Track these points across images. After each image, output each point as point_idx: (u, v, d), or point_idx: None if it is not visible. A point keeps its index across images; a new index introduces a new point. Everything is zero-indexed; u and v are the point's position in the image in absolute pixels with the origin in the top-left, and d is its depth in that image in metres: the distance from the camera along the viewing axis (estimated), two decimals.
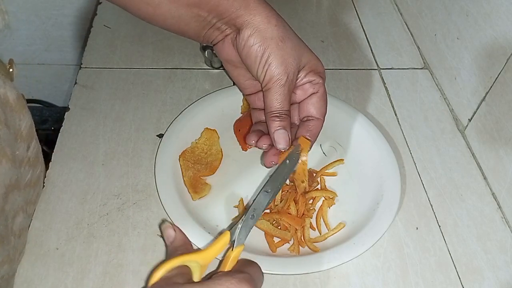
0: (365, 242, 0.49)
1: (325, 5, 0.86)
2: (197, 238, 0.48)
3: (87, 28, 0.78)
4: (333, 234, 0.52)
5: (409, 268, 0.51)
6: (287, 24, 0.49)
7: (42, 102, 1.29)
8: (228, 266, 0.40)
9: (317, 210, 0.54)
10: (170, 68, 0.71)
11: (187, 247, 0.40)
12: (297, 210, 0.52)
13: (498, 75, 0.57)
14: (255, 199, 0.44)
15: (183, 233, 0.41)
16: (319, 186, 0.57)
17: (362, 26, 0.82)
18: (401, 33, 0.81)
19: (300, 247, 0.50)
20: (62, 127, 0.62)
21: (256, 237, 0.51)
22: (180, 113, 0.62)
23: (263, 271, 0.47)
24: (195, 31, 0.48)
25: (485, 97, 0.60)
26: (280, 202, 0.53)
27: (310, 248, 0.50)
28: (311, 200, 0.55)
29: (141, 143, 0.60)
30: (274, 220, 0.52)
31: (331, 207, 0.55)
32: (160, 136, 0.61)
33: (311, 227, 0.53)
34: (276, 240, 0.51)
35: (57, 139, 0.60)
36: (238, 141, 0.60)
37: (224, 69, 0.71)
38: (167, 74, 0.70)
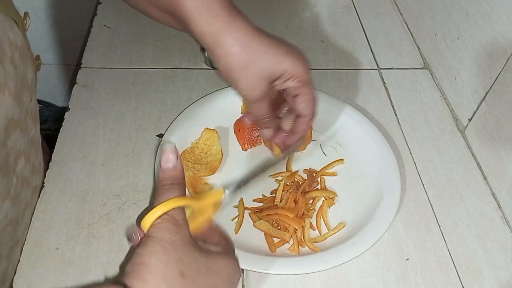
0: (365, 242, 0.49)
1: (325, 5, 0.86)
2: None
3: (87, 28, 0.78)
4: (333, 234, 0.52)
5: (409, 268, 0.51)
6: (261, 36, 0.47)
7: (42, 102, 1.29)
8: (204, 221, 0.40)
9: (317, 210, 0.54)
10: (170, 68, 0.71)
11: (183, 184, 0.39)
12: (296, 204, 0.53)
13: (498, 75, 0.57)
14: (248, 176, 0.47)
15: (182, 163, 0.40)
16: (319, 186, 0.57)
17: (362, 26, 0.82)
18: (401, 33, 0.81)
19: (300, 247, 0.50)
20: (62, 127, 0.62)
21: (256, 237, 0.51)
22: (180, 113, 0.62)
23: (263, 271, 0.47)
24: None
25: (485, 97, 0.60)
26: (280, 202, 0.53)
27: (310, 248, 0.50)
28: (311, 200, 0.55)
29: (141, 143, 0.60)
30: (274, 221, 0.52)
31: (331, 207, 0.55)
32: (160, 136, 0.61)
33: (311, 227, 0.53)
34: (276, 240, 0.51)
35: (57, 139, 0.60)
36: (238, 141, 0.60)
37: None
38: (167, 74, 0.70)
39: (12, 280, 0.48)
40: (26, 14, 0.50)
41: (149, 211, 0.36)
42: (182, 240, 0.35)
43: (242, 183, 0.44)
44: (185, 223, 0.36)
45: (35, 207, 0.53)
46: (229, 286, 0.37)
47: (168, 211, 0.36)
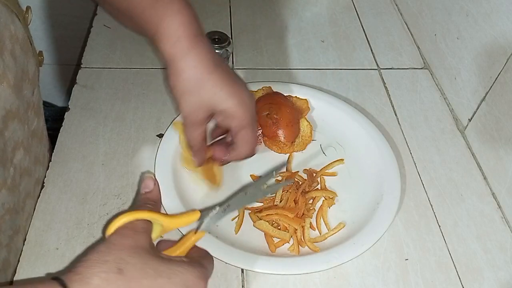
0: (365, 242, 0.49)
1: (325, 5, 0.86)
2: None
3: (87, 28, 0.78)
4: (333, 234, 0.52)
5: (409, 268, 0.51)
6: (216, 70, 0.47)
7: (42, 102, 1.29)
8: (185, 248, 0.41)
9: (317, 210, 0.54)
10: None
11: (157, 206, 0.41)
12: (296, 204, 0.53)
13: (498, 75, 0.57)
14: (233, 196, 0.46)
15: (160, 191, 0.43)
16: (319, 186, 0.57)
17: (362, 26, 0.82)
18: (401, 33, 0.81)
19: (300, 247, 0.50)
20: (62, 127, 0.62)
21: (256, 237, 0.51)
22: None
23: (263, 271, 0.47)
24: None
25: (485, 97, 0.60)
26: (280, 202, 0.53)
27: (310, 248, 0.50)
28: (311, 200, 0.55)
29: (141, 143, 0.60)
30: (274, 221, 0.52)
31: (331, 207, 0.55)
32: (160, 136, 0.61)
33: (311, 227, 0.53)
34: (276, 240, 0.51)
35: (57, 139, 0.60)
36: None
37: None
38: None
39: (16, 269, 0.48)
40: (28, 8, 0.51)
41: (117, 217, 0.37)
42: (134, 243, 0.35)
43: (223, 209, 0.44)
44: (145, 233, 0.37)
45: (38, 198, 0.54)
46: None
47: (132, 221, 0.37)
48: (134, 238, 0.36)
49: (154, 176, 0.44)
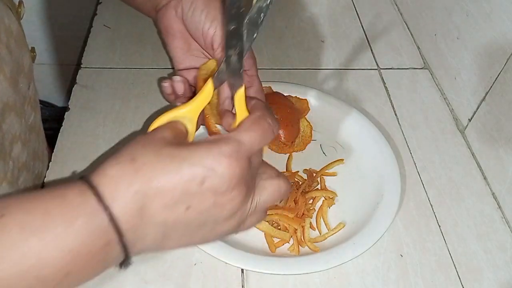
0: (365, 242, 0.49)
1: (325, 5, 0.86)
2: None
3: (87, 28, 0.78)
4: (333, 234, 0.52)
5: (409, 268, 0.51)
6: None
7: (42, 102, 1.29)
8: (241, 109, 0.37)
9: (317, 210, 0.54)
10: (170, 68, 0.71)
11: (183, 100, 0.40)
12: (296, 204, 0.53)
13: (498, 75, 0.57)
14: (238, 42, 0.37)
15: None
16: (319, 186, 0.57)
17: (362, 26, 0.82)
18: (401, 33, 0.81)
19: (300, 247, 0.50)
20: (62, 127, 0.62)
21: (256, 237, 0.51)
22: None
23: (263, 271, 0.47)
24: None
25: (485, 97, 0.60)
26: (280, 202, 0.53)
27: (310, 248, 0.50)
28: (311, 200, 0.55)
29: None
30: (274, 221, 0.52)
31: (331, 207, 0.55)
32: None
33: (311, 227, 0.53)
34: (276, 240, 0.51)
35: (57, 139, 0.60)
36: None
37: None
38: (167, 74, 0.70)
39: None
40: (20, 2, 0.51)
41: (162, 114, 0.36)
42: (149, 136, 0.34)
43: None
44: (168, 126, 0.35)
45: None
46: (205, 173, 0.32)
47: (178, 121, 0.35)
48: (151, 133, 0.34)
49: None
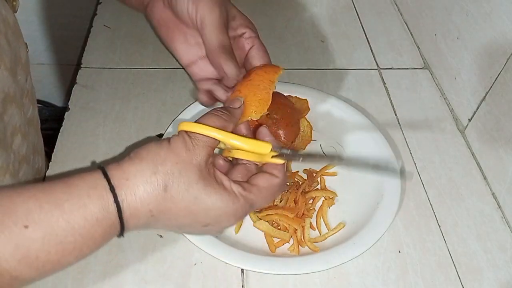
0: (365, 242, 0.49)
1: (325, 5, 0.86)
2: (198, 238, 0.48)
3: (87, 28, 0.78)
4: (333, 234, 0.52)
5: (409, 268, 0.51)
6: None
7: (42, 102, 1.29)
8: (260, 160, 0.42)
9: (317, 210, 0.54)
10: (170, 68, 0.71)
11: (232, 120, 0.42)
12: (296, 204, 0.52)
13: (498, 75, 0.57)
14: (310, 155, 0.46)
15: (242, 113, 0.44)
16: (319, 186, 0.57)
17: (362, 26, 0.82)
18: (401, 33, 0.81)
19: (300, 247, 0.50)
20: (62, 127, 0.62)
21: (256, 237, 0.51)
22: (180, 113, 0.61)
23: (263, 271, 0.47)
24: None
25: (485, 97, 0.60)
26: (280, 202, 0.53)
27: (310, 248, 0.50)
28: (311, 200, 0.55)
29: (141, 143, 0.60)
30: (274, 221, 0.52)
31: (331, 207, 0.55)
32: (160, 136, 0.61)
33: (311, 227, 0.53)
34: (276, 240, 0.51)
35: (57, 139, 0.60)
36: None
37: None
38: (167, 74, 0.70)
39: None
40: None
41: (194, 121, 0.38)
42: (190, 159, 0.37)
43: (299, 157, 0.43)
44: (207, 148, 0.38)
45: None
46: (213, 223, 0.38)
47: (203, 134, 0.38)
48: (193, 152, 0.37)
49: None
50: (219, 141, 0.39)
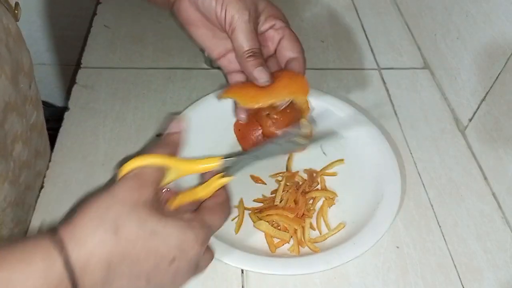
0: (365, 242, 0.49)
1: (325, 5, 0.86)
2: None
3: (87, 28, 0.78)
4: (333, 234, 0.52)
5: (409, 268, 0.51)
6: None
7: (42, 102, 1.29)
8: (210, 192, 0.40)
9: (317, 210, 0.54)
10: (170, 68, 0.71)
11: (176, 149, 0.40)
12: (296, 204, 0.53)
13: (498, 75, 0.57)
14: (263, 147, 0.43)
15: (185, 134, 0.41)
16: (319, 186, 0.57)
17: (362, 26, 0.82)
18: (401, 33, 0.81)
19: (300, 247, 0.50)
20: (62, 127, 0.62)
21: (256, 237, 0.51)
22: (180, 113, 0.62)
23: (263, 271, 0.47)
24: None
25: (485, 97, 0.60)
26: (280, 202, 0.53)
27: (310, 248, 0.50)
28: (311, 200, 0.55)
29: (141, 143, 0.60)
30: (274, 221, 0.52)
31: (331, 207, 0.55)
32: (160, 136, 0.61)
33: (311, 227, 0.53)
34: (276, 240, 0.51)
35: (57, 139, 0.60)
36: (238, 141, 0.60)
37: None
38: (167, 74, 0.70)
39: None
40: (17, 4, 0.51)
41: (130, 160, 0.36)
42: (136, 198, 0.35)
43: (254, 156, 0.42)
44: (152, 183, 0.36)
45: (39, 191, 0.54)
46: (178, 255, 0.36)
47: (143, 166, 0.36)
48: (138, 191, 0.35)
49: (186, 121, 0.41)
50: (163, 176, 0.37)
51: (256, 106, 0.50)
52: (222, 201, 0.41)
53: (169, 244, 0.35)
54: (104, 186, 0.45)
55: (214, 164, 0.40)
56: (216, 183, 0.40)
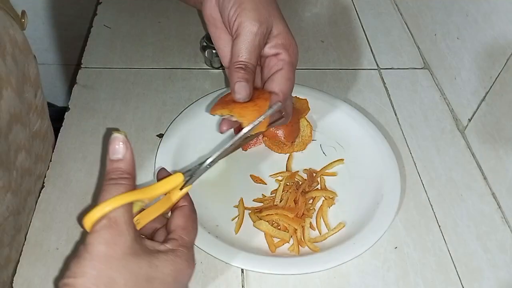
0: (365, 242, 0.49)
1: (325, 5, 0.86)
2: (198, 238, 0.48)
3: (87, 28, 0.78)
4: (333, 234, 0.52)
5: (409, 268, 0.51)
6: None
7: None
8: (171, 205, 0.40)
9: (317, 210, 0.54)
10: (170, 68, 0.71)
11: (132, 178, 0.36)
12: (295, 204, 0.52)
13: (498, 75, 0.57)
14: (218, 154, 0.41)
15: (133, 157, 0.36)
16: (319, 186, 0.57)
17: (362, 26, 0.82)
18: (401, 33, 0.81)
19: (300, 247, 0.50)
20: (62, 127, 0.62)
21: (256, 237, 0.51)
22: (180, 113, 0.62)
23: (263, 271, 0.47)
24: None
25: (485, 97, 0.60)
26: (280, 202, 0.53)
27: (310, 248, 0.50)
28: (311, 200, 0.55)
29: (141, 143, 0.60)
30: (274, 221, 0.52)
31: (331, 207, 0.55)
32: (160, 136, 0.61)
33: (311, 227, 0.53)
34: (276, 240, 0.51)
35: (57, 139, 0.60)
36: None
37: (224, 69, 0.71)
38: (167, 74, 0.70)
39: (17, 263, 0.48)
40: (23, 12, 0.51)
41: (91, 209, 0.33)
42: (121, 252, 0.33)
43: (208, 165, 0.41)
44: (128, 227, 0.34)
45: (39, 194, 0.54)
46: (177, 286, 0.36)
47: (111, 212, 0.33)
48: (119, 243, 0.33)
49: (126, 136, 0.36)
50: (132, 212, 0.35)
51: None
52: (189, 213, 0.40)
53: (167, 281, 0.35)
54: (75, 249, 0.44)
55: (178, 183, 0.39)
56: (177, 195, 0.40)
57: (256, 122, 0.44)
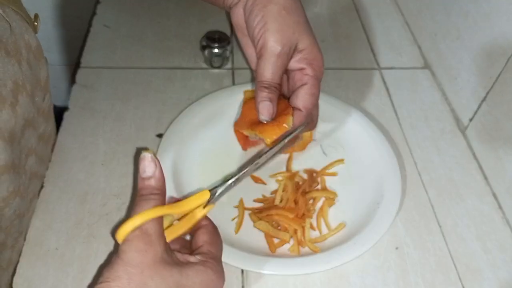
0: (365, 242, 0.49)
1: (325, 5, 0.86)
2: None
3: (87, 28, 0.78)
4: (333, 234, 0.52)
5: (409, 268, 0.51)
6: (300, 2, 0.48)
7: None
8: (195, 224, 0.40)
9: (317, 210, 0.54)
10: (170, 68, 0.71)
11: (162, 195, 0.37)
12: (296, 204, 0.53)
13: (498, 75, 0.57)
14: (244, 169, 0.43)
15: (163, 174, 0.38)
16: (319, 186, 0.57)
17: (362, 26, 0.82)
18: (401, 33, 0.81)
19: (300, 247, 0.50)
20: (61, 127, 0.62)
21: (256, 237, 0.51)
22: (180, 113, 0.62)
23: (263, 271, 0.47)
24: None
25: (485, 97, 0.60)
26: (280, 202, 0.53)
27: (310, 249, 0.50)
28: (312, 200, 0.55)
29: (141, 143, 0.60)
30: (274, 221, 0.52)
31: (331, 207, 0.55)
32: (160, 136, 0.61)
33: (311, 227, 0.53)
34: (276, 240, 0.51)
35: (57, 139, 0.60)
36: (238, 141, 0.60)
37: (223, 69, 0.71)
38: (167, 74, 0.70)
39: (16, 265, 0.48)
40: (36, 15, 0.51)
41: (123, 223, 0.35)
42: (152, 260, 0.34)
43: (232, 183, 0.42)
44: (159, 238, 0.35)
45: (39, 194, 0.54)
46: None
47: (143, 224, 0.35)
48: (150, 251, 0.34)
49: (154, 155, 0.38)
50: (162, 226, 0.36)
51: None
52: (213, 230, 0.41)
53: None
54: (108, 259, 0.45)
55: (205, 200, 0.40)
56: (200, 214, 0.40)
57: (280, 145, 0.46)
